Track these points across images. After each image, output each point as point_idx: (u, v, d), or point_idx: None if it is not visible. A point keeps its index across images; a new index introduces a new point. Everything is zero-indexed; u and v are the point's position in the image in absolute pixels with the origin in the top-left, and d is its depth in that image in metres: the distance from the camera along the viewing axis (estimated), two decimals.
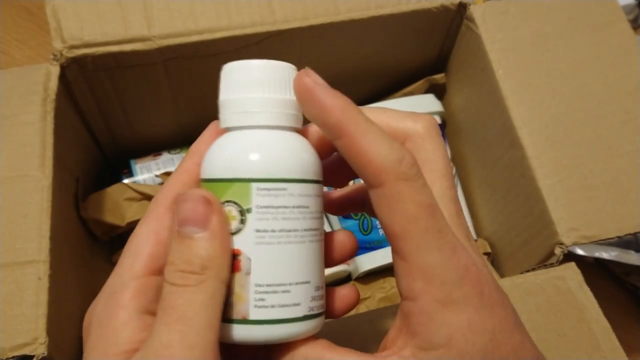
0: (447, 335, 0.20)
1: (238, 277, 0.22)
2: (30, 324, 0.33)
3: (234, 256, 0.22)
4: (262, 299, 0.22)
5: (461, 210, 0.24)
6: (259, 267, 0.23)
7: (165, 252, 0.22)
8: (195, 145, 0.25)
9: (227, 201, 0.23)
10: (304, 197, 0.23)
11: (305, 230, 0.23)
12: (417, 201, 0.20)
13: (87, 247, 0.47)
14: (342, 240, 0.27)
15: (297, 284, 0.23)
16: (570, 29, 0.46)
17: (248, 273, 0.22)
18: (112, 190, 0.49)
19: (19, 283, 0.34)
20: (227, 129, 0.24)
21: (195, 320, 0.20)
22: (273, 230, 0.23)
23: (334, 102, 0.21)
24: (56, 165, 0.39)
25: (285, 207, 0.23)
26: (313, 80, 0.22)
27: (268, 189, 0.23)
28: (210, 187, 0.23)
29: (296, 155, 0.23)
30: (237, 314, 0.22)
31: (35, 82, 0.40)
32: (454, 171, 0.52)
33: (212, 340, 0.20)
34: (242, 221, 0.23)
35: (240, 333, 0.23)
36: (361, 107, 0.23)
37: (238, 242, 0.22)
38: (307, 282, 0.23)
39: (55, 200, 0.37)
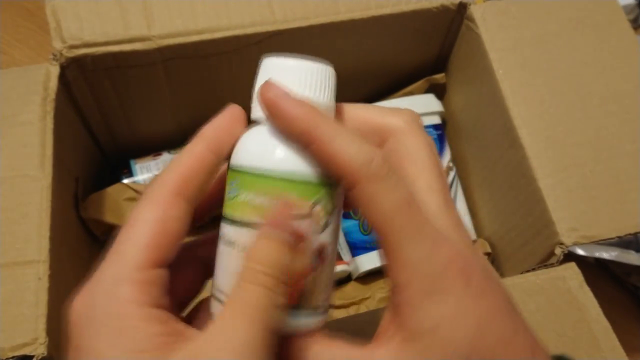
0: (432, 325, 0.20)
1: (324, 268, 0.24)
2: (30, 324, 0.33)
3: (322, 250, 0.24)
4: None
5: (450, 200, 0.24)
6: (331, 260, 0.24)
7: (172, 244, 0.22)
8: (210, 130, 0.24)
9: (316, 202, 0.23)
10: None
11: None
12: (392, 199, 0.21)
13: (87, 247, 0.47)
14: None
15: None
16: (571, 29, 0.46)
17: (330, 264, 0.24)
18: (112, 190, 0.49)
19: (18, 283, 0.34)
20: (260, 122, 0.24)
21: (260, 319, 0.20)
22: (337, 226, 0.24)
23: (299, 112, 0.22)
24: (56, 165, 0.38)
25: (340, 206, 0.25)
26: (275, 93, 0.22)
27: (339, 193, 0.24)
28: (294, 187, 0.23)
29: None
30: (324, 300, 0.24)
31: (35, 82, 0.40)
32: (454, 171, 0.52)
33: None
34: (329, 220, 0.24)
35: (322, 320, 0.24)
36: (344, 104, 0.24)
37: (324, 237, 0.24)
38: None
39: (55, 201, 0.37)
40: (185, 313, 0.26)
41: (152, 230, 0.21)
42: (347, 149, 0.21)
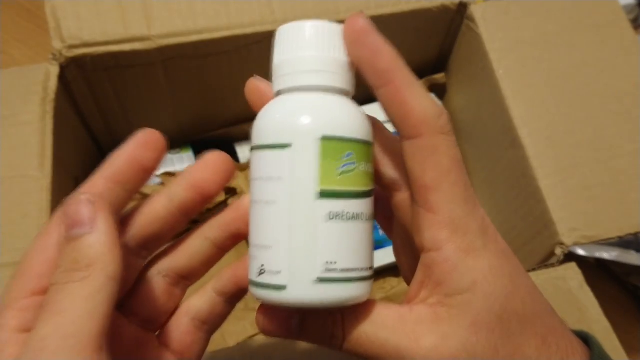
0: (471, 280, 0.21)
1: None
2: None
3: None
4: None
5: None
6: None
7: (51, 270, 0.22)
8: (107, 165, 0.25)
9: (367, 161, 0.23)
10: None
11: None
12: (451, 155, 0.22)
13: None
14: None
15: None
16: (571, 29, 0.46)
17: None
18: None
19: None
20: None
21: (71, 311, 0.20)
22: None
23: (387, 49, 0.22)
24: (55, 165, 0.38)
25: None
26: (364, 23, 0.22)
27: None
28: (369, 149, 0.23)
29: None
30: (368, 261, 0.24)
31: (35, 82, 0.40)
32: None
33: (93, 330, 0.20)
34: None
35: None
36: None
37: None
38: None
39: (54, 200, 0.37)
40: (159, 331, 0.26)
41: (33, 261, 0.22)
42: (422, 99, 0.21)
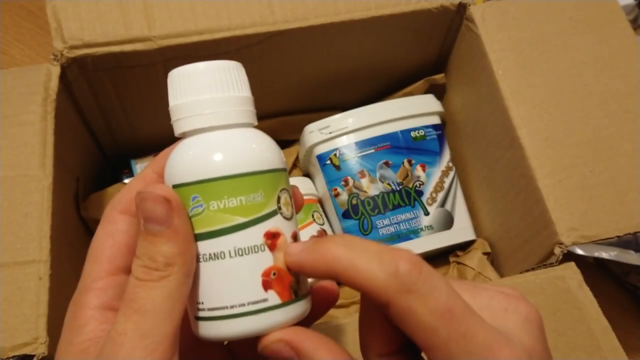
0: None
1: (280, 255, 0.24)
2: (30, 324, 0.33)
3: (295, 237, 0.24)
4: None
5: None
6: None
7: (121, 252, 0.24)
8: (158, 158, 0.26)
9: (283, 189, 0.24)
10: None
11: None
12: (431, 310, 0.19)
13: (87, 247, 0.47)
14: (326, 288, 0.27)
15: None
16: (570, 29, 0.46)
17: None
18: (113, 190, 0.49)
19: (19, 283, 0.34)
20: (208, 129, 0.24)
21: (152, 312, 0.21)
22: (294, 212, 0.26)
23: (310, 258, 0.22)
24: (56, 165, 0.39)
25: None
26: (292, 252, 0.23)
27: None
28: (261, 179, 0.24)
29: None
30: (305, 288, 0.25)
31: (36, 82, 0.40)
32: (453, 171, 0.52)
33: (169, 332, 0.21)
34: (292, 205, 0.25)
35: (309, 305, 0.25)
36: None
37: (293, 225, 0.25)
38: None
39: (55, 200, 0.37)
40: None
41: (105, 245, 0.25)
42: (367, 267, 0.20)
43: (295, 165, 0.56)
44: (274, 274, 0.23)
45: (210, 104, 0.24)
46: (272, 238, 0.23)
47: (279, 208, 0.24)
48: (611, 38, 0.45)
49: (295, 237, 0.24)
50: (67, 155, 0.43)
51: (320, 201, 0.53)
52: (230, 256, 0.23)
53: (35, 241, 0.35)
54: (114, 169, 0.55)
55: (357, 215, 0.49)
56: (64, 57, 0.41)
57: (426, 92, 0.55)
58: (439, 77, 0.54)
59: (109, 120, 0.50)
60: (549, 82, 0.44)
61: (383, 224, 0.49)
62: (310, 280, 0.25)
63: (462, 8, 0.47)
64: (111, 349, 0.21)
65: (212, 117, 0.24)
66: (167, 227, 0.22)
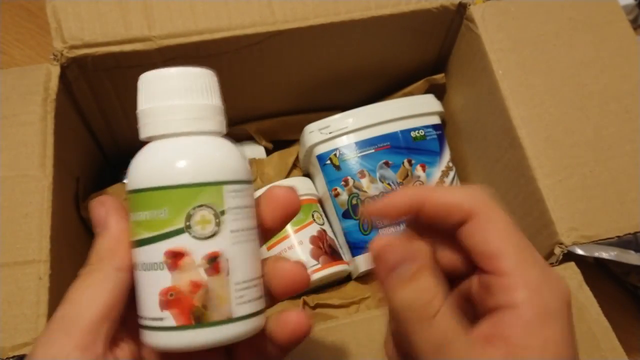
0: (542, 343, 0.22)
1: (219, 279, 0.23)
2: (30, 324, 0.33)
3: (213, 259, 0.23)
4: (242, 296, 0.23)
5: (546, 267, 0.26)
6: (236, 266, 0.23)
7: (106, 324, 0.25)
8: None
9: (200, 205, 0.23)
10: (252, 196, 0.25)
11: (255, 227, 0.25)
12: (507, 221, 0.24)
13: (88, 247, 0.47)
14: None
15: (259, 277, 0.25)
16: (570, 29, 0.46)
17: (228, 273, 0.23)
18: (113, 190, 0.49)
19: (19, 283, 0.34)
20: (162, 137, 0.24)
21: (76, 300, 0.23)
22: (243, 230, 0.24)
23: (404, 194, 0.25)
24: (56, 165, 0.39)
25: (247, 206, 0.24)
26: (383, 243, 0.26)
27: (237, 190, 0.24)
28: (165, 195, 0.23)
29: (244, 158, 0.25)
30: (220, 315, 0.23)
31: (36, 82, 0.40)
32: (453, 171, 0.52)
33: (90, 316, 0.23)
34: (218, 223, 0.23)
35: (228, 333, 0.23)
36: (423, 188, 0.29)
37: (215, 245, 0.23)
38: (261, 277, 0.25)
39: (55, 200, 0.37)
40: None
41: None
42: (453, 194, 0.25)
43: (295, 165, 0.56)
44: (171, 294, 0.22)
45: (147, 113, 0.24)
46: (172, 257, 0.22)
47: (188, 227, 0.22)
48: (611, 38, 0.45)
49: (214, 259, 0.23)
50: (67, 155, 0.43)
51: (320, 201, 0.53)
52: (141, 269, 0.23)
53: (35, 241, 0.35)
54: (114, 169, 0.55)
55: (357, 215, 0.49)
56: (63, 57, 0.41)
57: (426, 92, 0.55)
58: (439, 77, 0.54)
59: (109, 120, 0.50)
60: (549, 82, 0.44)
61: (383, 224, 0.49)
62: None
63: (462, 8, 0.47)
64: (42, 332, 0.23)
65: (147, 128, 0.24)
66: (103, 227, 0.25)
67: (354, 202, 0.49)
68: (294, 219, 0.28)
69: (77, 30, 0.42)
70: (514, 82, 0.44)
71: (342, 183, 0.50)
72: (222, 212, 0.23)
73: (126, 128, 0.52)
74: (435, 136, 0.52)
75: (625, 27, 0.46)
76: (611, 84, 0.44)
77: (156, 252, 0.23)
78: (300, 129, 0.52)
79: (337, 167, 0.50)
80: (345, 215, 0.50)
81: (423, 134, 0.51)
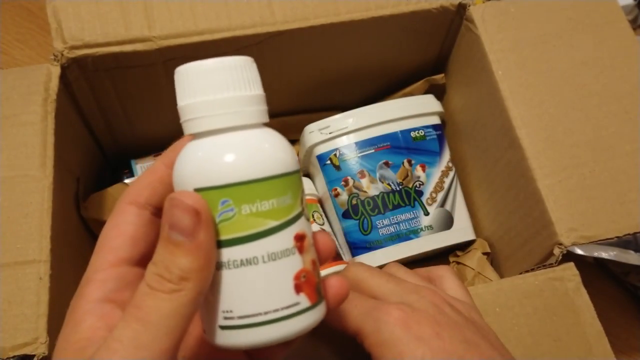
0: None
1: (310, 255, 0.24)
2: (30, 324, 0.33)
3: (301, 237, 0.23)
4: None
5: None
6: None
7: (126, 243, 0.24)
8: (169, 151, 0.26)
9: (302, 190, 0.24)
10: None
11: None
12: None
13: (88, 246, 0.47)
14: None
15: None
16: (570, 29, 0.46)
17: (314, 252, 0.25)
18: (113, 190, 0.49)
19: (19, 283, 0.34)
20: (253, 126, 0.24)
21: (155, 324, 0.20)
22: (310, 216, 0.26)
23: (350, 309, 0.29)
24: (57, 165, 0.39)
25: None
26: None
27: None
28: (287, 181, 0.23)
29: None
30: (321, 289, 0.24)
31: (36, 82, 0.40)
32: (453, 171, 0.52)
33: (167, 349, 0.20)
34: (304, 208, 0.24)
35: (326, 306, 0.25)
36: (396, 266, 0.35)
37: (309, 226, 0.24)
38: None
39: (56, 200, 0.37)
40: None
41: (110, 236, 0.24)
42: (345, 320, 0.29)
43: None
44: (304, 276, 0.23)
45: (226, 104, 0.23)
46: (300, 240, 0.23)
47: (303, 209, 0.24)
48: (611, 38, 0.45)
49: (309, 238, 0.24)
50: (67, 156, 0.43)
51: (320, 201, 0.53)
52: (264, 261, 0.22)
53: (35, 241, 0.35)
54: (114, 169, 0.55)
55: (357, 216, 0.49)
56: (64, 57, 0.41)
57: (426, 92, 0.55)
58: (439, 77, 0.54)
59: (109, 120, 0.51)
60: (549, 82, 0.44)
61: (383, 224, 0.49)
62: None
63: (462, 8, 0.47)
64: (104, 353, 0.20)
65: (231, 117, 0.23)
66: (191, 241, 0.21)
67: (354, 202, 0.50)
68: None
69: (77, 31, 0.42)
70: (513, 83, 0.44)
71: (342, 183, 0.50)
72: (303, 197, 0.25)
73: (126, 128, 0.52)
74: (435, 136, 0.52)
75: (625, 27, 0.46)
76: (611, 84, 0.44)
77: (287, 238, 0.23)
78: (300, 129, 0.52)
79: (337, 167, 0.50)
80: (345, 215, 0.50)
81: (423, 134, 0.51)
